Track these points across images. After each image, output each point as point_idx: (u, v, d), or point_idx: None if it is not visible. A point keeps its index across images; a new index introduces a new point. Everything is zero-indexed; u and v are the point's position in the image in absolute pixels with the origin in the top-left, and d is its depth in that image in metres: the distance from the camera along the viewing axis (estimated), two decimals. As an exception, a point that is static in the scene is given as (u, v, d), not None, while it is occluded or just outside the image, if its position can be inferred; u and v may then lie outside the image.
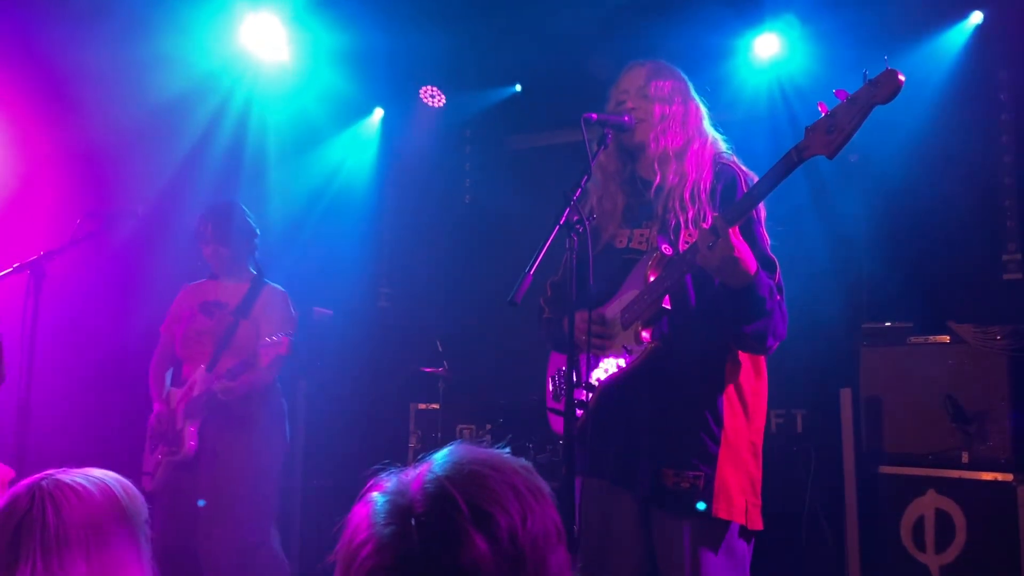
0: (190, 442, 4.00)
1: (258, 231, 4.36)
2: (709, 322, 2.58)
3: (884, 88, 2.17)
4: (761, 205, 2.63)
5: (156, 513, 1.82)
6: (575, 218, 2.41)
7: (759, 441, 2.66)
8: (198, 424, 4.03)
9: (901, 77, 2.15)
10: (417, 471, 1.10)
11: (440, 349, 5.67)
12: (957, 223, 5.05)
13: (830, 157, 2.28)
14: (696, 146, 2.74)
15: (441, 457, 1.10)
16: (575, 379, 2.39)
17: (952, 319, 4.47)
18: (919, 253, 5.10)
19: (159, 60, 4.98)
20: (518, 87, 6.28)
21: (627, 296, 2.66)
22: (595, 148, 2.62)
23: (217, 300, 4.22)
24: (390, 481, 1.10)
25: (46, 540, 1.63)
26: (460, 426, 5.73)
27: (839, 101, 2.25)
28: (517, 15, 5.46)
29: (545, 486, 1.11)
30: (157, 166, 5.32)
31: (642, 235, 2.74)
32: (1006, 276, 4.96)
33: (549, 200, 2.60)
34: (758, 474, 2.64)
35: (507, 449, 1.14)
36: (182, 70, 5.17)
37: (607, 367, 2.65)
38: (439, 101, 6.32)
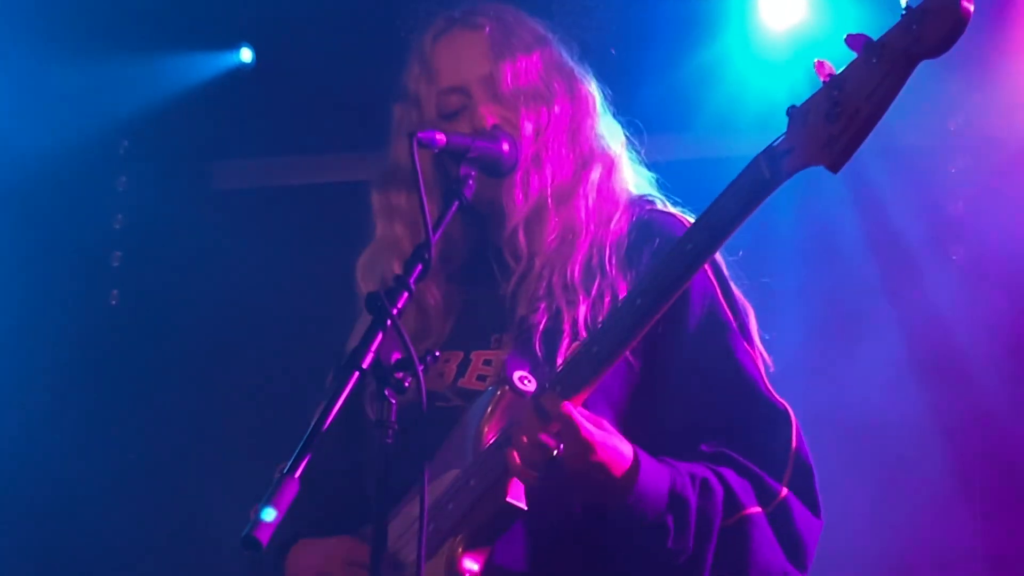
0: None
1: None
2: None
3: (933, 25, 1.21)
4: (737, 297, 1.72)
5: None
6: (394, 363, 1.36)
7: None
8: None
9: (966, 4, 1.20)
10: None
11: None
12: None
13: (833, 168, 1.31)
14: (593, 181, 1.76)
15: None
16: None
17: None
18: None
19: None
20: (246, 53, 3.65)
21: (440, 484, 1.59)
22: (440, 207, 1.63)
23: None
24: None
25: None
26: None
27: (853, 56, 1.31)
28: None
29: None
30: None
31: (487, 361, 1.73)
32: None
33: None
34: None
35: None
36: None
37: None
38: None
